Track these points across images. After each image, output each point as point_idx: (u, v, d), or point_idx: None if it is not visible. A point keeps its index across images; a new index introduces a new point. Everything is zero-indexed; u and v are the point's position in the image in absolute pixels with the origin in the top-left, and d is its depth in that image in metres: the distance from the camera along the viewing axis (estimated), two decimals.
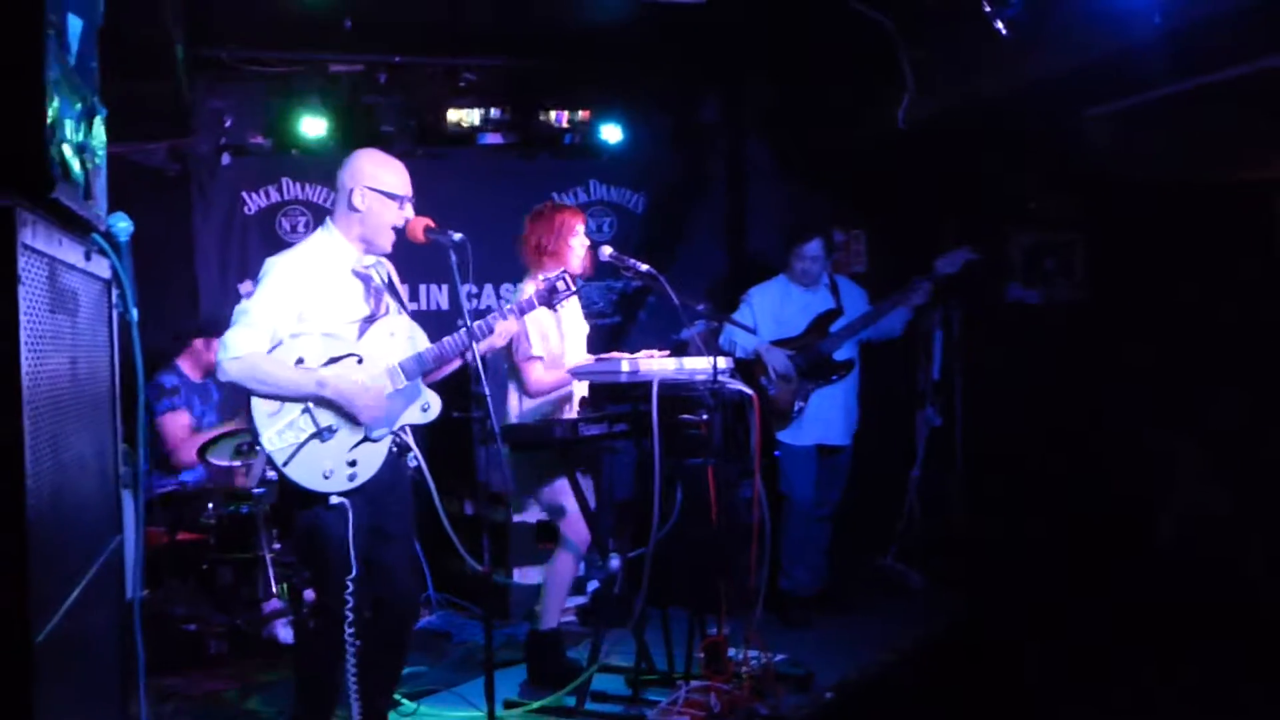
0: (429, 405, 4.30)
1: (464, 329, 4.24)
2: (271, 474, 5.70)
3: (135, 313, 2.81)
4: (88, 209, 2.37)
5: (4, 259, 1.83)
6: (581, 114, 7.44)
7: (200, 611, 5.80)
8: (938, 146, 6.96)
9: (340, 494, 4.02)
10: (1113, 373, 7.24)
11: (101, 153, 2.59)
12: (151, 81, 5.86)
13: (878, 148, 7.18)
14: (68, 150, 2.10)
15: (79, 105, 2.20)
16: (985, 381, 7.42)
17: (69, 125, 2.10)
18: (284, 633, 5.75)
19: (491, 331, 4.41)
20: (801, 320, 6.55)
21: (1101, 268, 7.53)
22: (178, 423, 6.20)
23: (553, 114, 7.41)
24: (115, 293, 2.78)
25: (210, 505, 5.81)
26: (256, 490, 5.68)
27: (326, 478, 4.01)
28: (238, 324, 3.98)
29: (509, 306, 4.51)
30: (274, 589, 5.76)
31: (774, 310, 6.55)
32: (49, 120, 1.92)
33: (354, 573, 3.97)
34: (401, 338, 4.28)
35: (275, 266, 4.11)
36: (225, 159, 7.19)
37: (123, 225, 2.84)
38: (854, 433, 6.66)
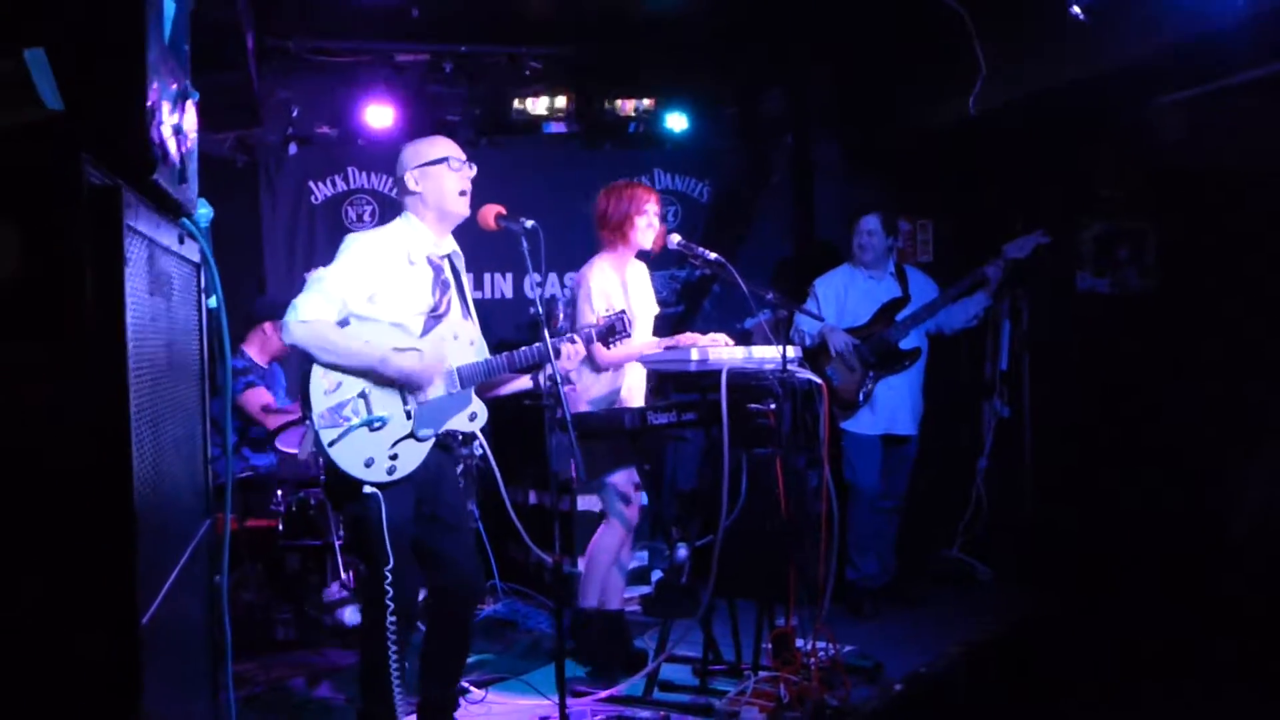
0: (476, 415, 4.29)
1: (538, 345, 4.22)
2: (288, 446, 5.78)
3: (217, 299, 2.82)
4: (182, 192, 2.37)
5: (111, 239, 1.84)
6: (646, 102, 7.42)
7: (268, 598, 5.84)
8: (1007, 135, 6.88)
9: (375, 485, 4.02)
10: (1184, 364, 7.12)
11: (193, 136, 2.60)
12: (223, 72, 5.90)
13: (946, 137, 7.10)
14: (166, 132, 2.10)
15: (174, 88, 2.20)
16: (1054, 372, 7.33)
17: (166, 107, 2.11)
18: (351, 618, 5.78)
19: (558, 354, 4.38)
20: (867, 309, 6.49)
21: (1173, 257, 7.39)
22: (257, 396, 6.24)
23: (617, 103, 7.41)
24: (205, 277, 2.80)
25: (279, 492, 5.85)
26: (305, 459, 5.71)
27: (367, 466, 4.01)
28: (310, 290, 4.01)
29: (569, 335, 4.48)
30: (341, 575, 5.80)
31: (839, 299, 6.50)
32: (150, 101, 1.92)
33: (390, 563, 3.97)
34: (464, 342, 4.27)
35: (356, 242, 4.15)
36: (292, 149, 7.25)
37: (203, 211, 2.86)
38: (920, 422, 6.59)
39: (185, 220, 2.50)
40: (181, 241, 2.52)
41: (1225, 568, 6.51)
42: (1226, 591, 6.33)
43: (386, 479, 4.04)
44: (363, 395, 4.04)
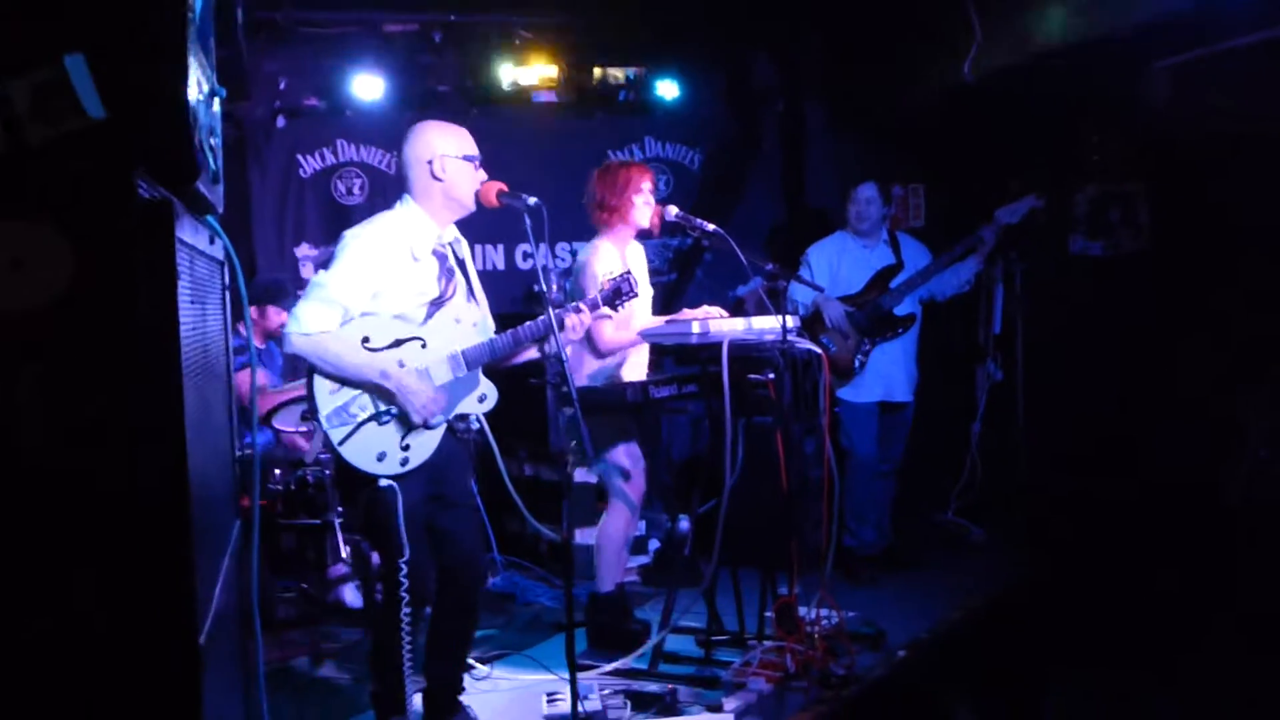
0: (486, 396, 4.26)
1: (541, 319, 4.19)
2: (286, 425, 5.76)
3: (244, 300, 2.79)
4: (215, 194, 2.33)
5: (163, 253, 1.81)
6: (637, 71, 7.38)
7: (267, 578, 5.82)
8: (999, 100, 6.85)
9: (391, 477, 4.00)
10: (1177, 326, 7.13)
11: (219, 133, 2.55)
12: (220, 49, 5.82)
13: (938, 102, 7.07)
14: (204, 134, 2.06)
15: (207, 86, 2.16)
16: (1047, 335, 7.33)
17: (201, 109, 2.06)
18: (351, 597, 5.78)
19: (562, 326, 4.36)
20: (861, 276, 6.48)
21: (1166, 219, 7.39)
22: (248, 381, 6.18)
23: (608, 71, 7.35)
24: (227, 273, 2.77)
25: (277, 471, 5.82)
26: (315, 459, 5.69)
27: (380, 460, 3.99)
28: (311, 297, 3.94)
29: (574, 305, 4.44)
30: (342, 554, 5.78)
31: (832, 267, 6.48)
32: (191, 105, 1.89)
33: (406, 555, 3.96)
34: (467, 324, 4.22)
35: (355, 241, 4.04)
36: (280, 122, 7.18)
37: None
38: (915, 388, 6.60)
39: (210, 219, 2.46)
40: (211, 242, 2.48)
41: (1221, 528, 6.55)
42: (1222, 552, 6.37)
43: (401, 470, 4.02)
44: (368, 391, 4.01)
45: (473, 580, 4.34)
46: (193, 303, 2.09)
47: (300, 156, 7.24)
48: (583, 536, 6.45)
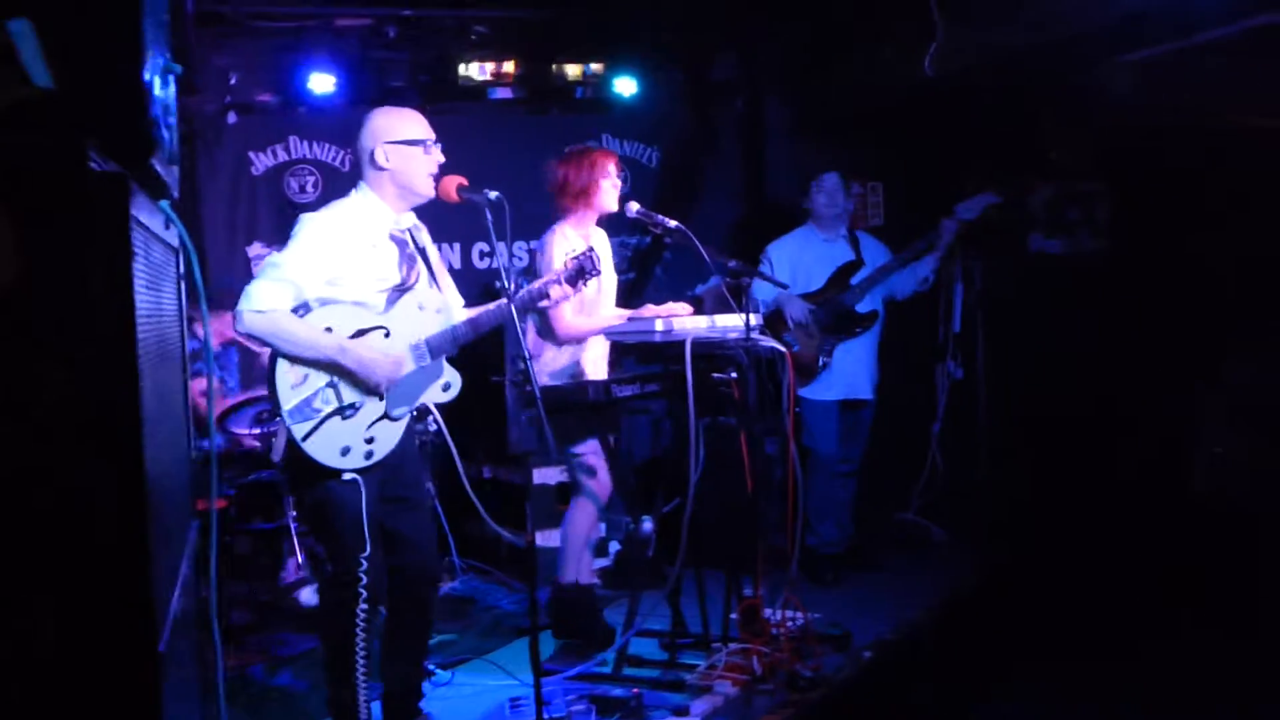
0: (450, 384, 4.18)
1: (502, 304, 4.11)
2: (242, 429, 5.63)
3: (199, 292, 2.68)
4: (170, 174, 2.21)
5: (118, 231, 1.69)
6: (594, 67, 7.28)
7: (221, 582, 5.69)
8: (960, 98, 6.82)
9: (355, 470, 3.90)
10: (1137, 324, 7.15)
11: (174, 112, 2.43)
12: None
13: (899, 99, 7.03)
14: (160, 111, 1.95)
15: (160, 61, 2.05)
16: (1007, 333, 7.32)
17: (157, 82, 1.95)
18: (309, 600, 5.66)
19: (545, 297, 4.32)
20: (821, 273, 6.43)
21: (1125, 218, 7.41)
22: (195, 390, 6.04)
23: (565, 67, 7.25)
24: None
25: (229, 474, 5.70)
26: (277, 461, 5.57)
27: (344, 454, 3.90)
28: (264, 276, 3.84)
29: (547, 280, 4.37)
30: (298, 557, 5.67)
31: (793, 263, 6.42)
32: (146, 77, 1.77)
33: (367, 550, 3.86)
34: (430, 311, 4.13)
35: (311, 223, 3.95)
36: (231, 118, 7.03)
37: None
38: (876, 387, 6.56)
39: (165, 204, 2.34)
40: (166, 227, 2.36)
41: (1182, 524, 6.56)
42: (1181, 549, 6.38)
43: (365, 464, 3.92)
44: (332, 384, 3.91)
45: (426, 580, 4.25)
46: (149, 288, 1.97)
47: (252, 154, 7.10)
48: (544, 539, 6.37)
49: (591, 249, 4.48)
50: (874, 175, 7.79)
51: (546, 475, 6.47)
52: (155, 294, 2.13)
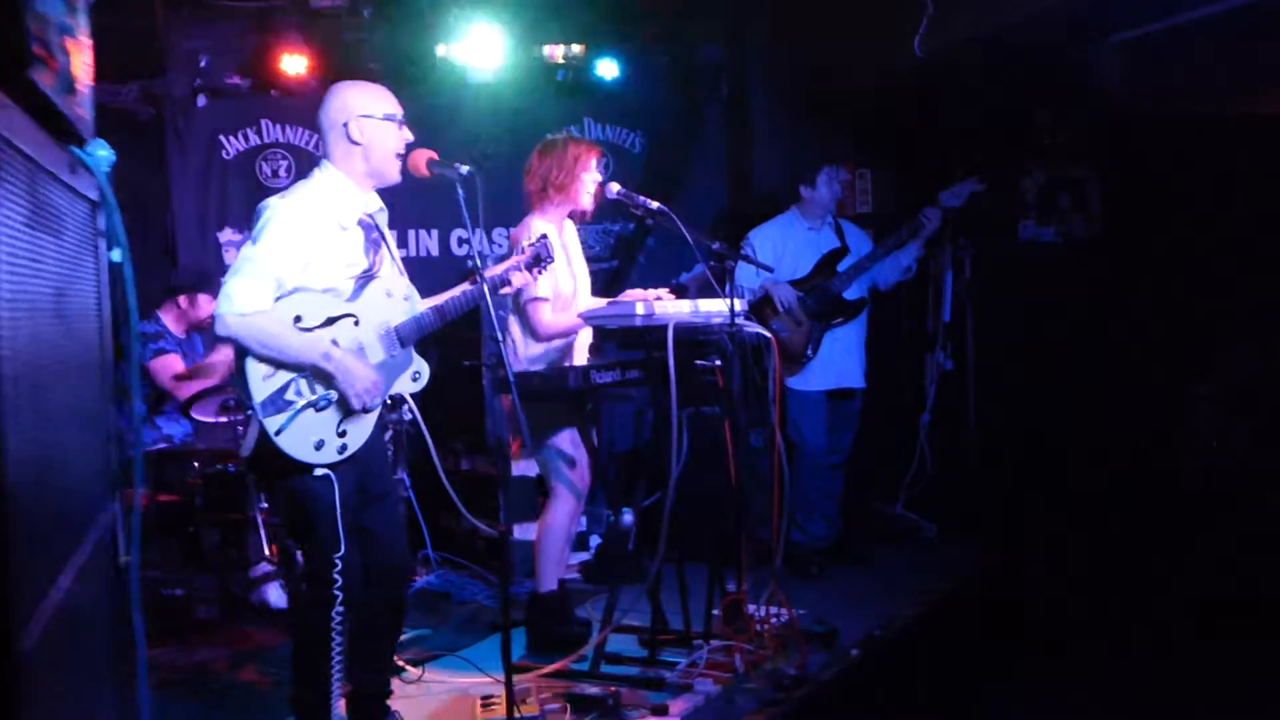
0: (420, 374, 3.97)
1: (473, 286, 3.93)
2: (206, 415, 5.44)
3: (121, 251, 2.47)
4: (70, 108, 1.99)
5: None
6: (576, 49, 7.10)
7: (186, 576, 5.51)
8: (950, 82, 6.68)
9: (328, 465, 3.72)
10: (1129, 312, 7.02)
11: (87, 54, 2.21)
12: (123, 17, 5.51)
13: (888, 82, 6.87)
14: (47, 27, 1.74)
15: None
16: (997, 323, 7.19)
17: None
18: (275, 596, 5.48)
19: (507, 283, 4.14)
20: (807, 261, 6.30)
21: (1117, 204, 7.27)
22: (168, 364, 5.85)
23: (545, 49, 7.06)
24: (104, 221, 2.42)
25: (196, 464, 5.51)
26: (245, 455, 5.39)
27: (318, 449, 3.69)
28: (242, 273, 3.61)
29: (508, 267, 4.21)
30: (265, 551, 5.48)
31: (776, 251, 6.27)
32: None
33: (341, 550, 3.67)
34: (398, 298, 3.92)
35: (280, 209, 3.71)
36: (201, 101, 6.88)
37: (103, 154, 2.49)
38: (865, 375, 6.40)
39: (80, 150, 2.13)
40: (73, 171, 2.13)
41: (1177, 516, 6.44)
42: (1175, 542, 6.27)
43: (339, 458, 3.73)
44: (304, 375, 3.71)
45: (397, 578, 4.05)
46: (32, 228, 1.76)
47: (223, 137, 6.94)
48: (521, 532, 6.21)
49: (544, 236, 4.33)
50: (863, 162, 7.61)
51: (526, 467, 6.30)
52: (50, 241, 1.91)
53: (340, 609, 3.69)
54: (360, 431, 3.81)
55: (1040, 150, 7.25)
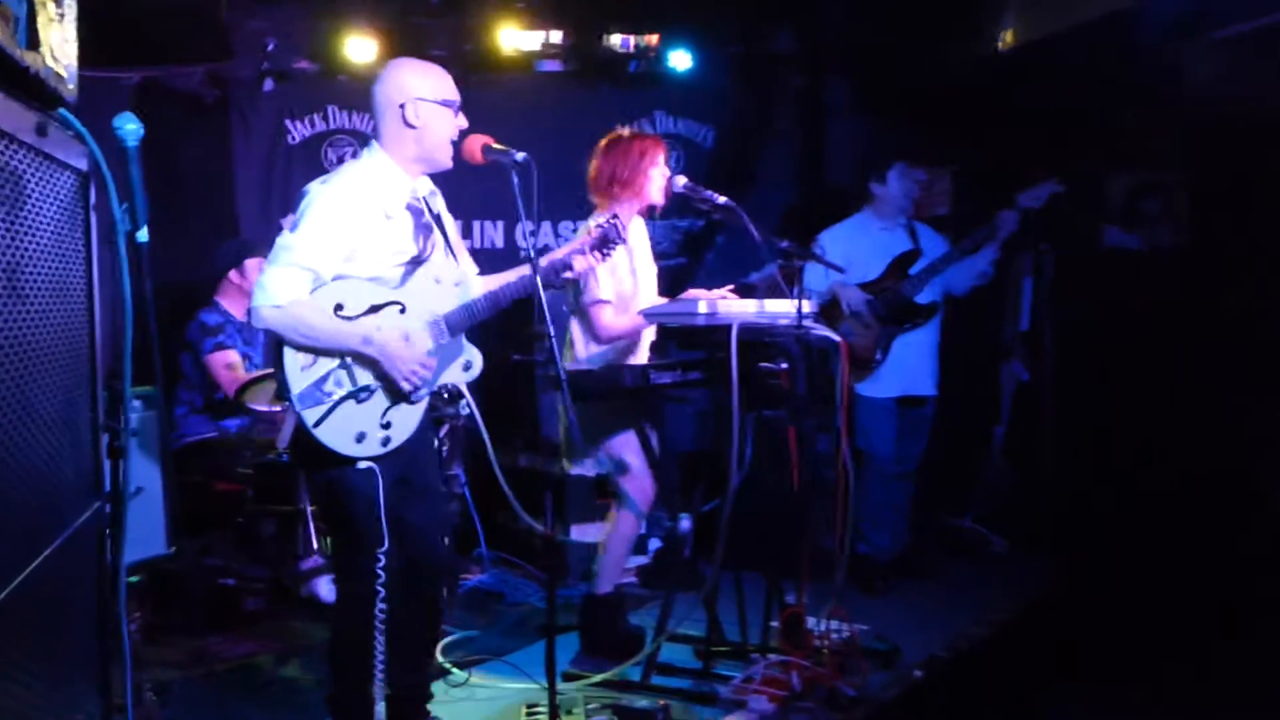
0: (471, 363, 3.84)
1: (525, 277, 3.78)
2: (259, 404, 5.33)
3: (145, 231, 2.33)
4: (35, 62, 1.83)
5: None
6: (648, 39, 6.93)
7: (238, 566, 5.44)
8: (1033, 78, 6.44)
9: (370, 459, 3.58)
10: (1216, 324, 6.73)
11: (71, 8, 2.05)
12: None
13: (968, 78, 6.64)
14: None
15: None
16: (1078, 333, 6.95)
17: None
18: (325, 590, 5.37)
19: (569, 268, 3.99)
20: (878, 263, 6.10)
21: (1207, 211, 6.97)
22: (228, 359, 5.76)
23: (616, 39, 6.91)
24: (122, 206, 2.26)
25: (248, 454, 5.42)
26: (285, 453, 5.31)
27: (359, 441, 3.57)
28: (278, 263, 3.50)
29: (572, 251, 4.04)
30: (314, 544, 5.38)
31: (847, 253, 6.06)
32: None
33: (385, 545, 3.53)
34: (448, 284, 3.79)
35: (321, 196, 3.60)
36: (268, 85, 6.76)
37: (131, 128, 2.36)
38: (938, 382, 6.18)
39: (65, 113, 1.98)
40: (43, 133, 1.96)
41: (1261, 536, 6.16)
42: (1261, 561, 5.99)
43: (382, 451, 3.59)
44: (344, 365, 3.58)
45: (438, 576, 3.93)
46: None
47: (289, 122, 6.84)
48: (579, 533, 6.08)
49: (615, 216, 4.14)
50: (940, 161, 7.37)
51: (584, 467, 6.14)
52: (3, 210, 1.74)
53: (383, 607, 3.56)
54: (406, 423, 3.67)
55: (1128, 153, 6.95)
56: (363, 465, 3.58)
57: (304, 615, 5.34)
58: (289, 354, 3.52)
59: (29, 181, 1.86)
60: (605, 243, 4.06)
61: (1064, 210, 6.08)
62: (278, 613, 5.39)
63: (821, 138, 7.48)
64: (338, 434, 3.56)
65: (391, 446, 3.64)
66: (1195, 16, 5.62)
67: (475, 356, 3.84)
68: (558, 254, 4.06)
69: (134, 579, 3.93)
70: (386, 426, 3.63)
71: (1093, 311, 6.86)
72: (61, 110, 1.96)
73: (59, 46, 1.94)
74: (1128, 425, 6.68)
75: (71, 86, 1.97)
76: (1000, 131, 7.00)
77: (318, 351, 3.54)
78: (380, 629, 3.59)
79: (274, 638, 5.13)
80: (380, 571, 3.55)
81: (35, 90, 1.83)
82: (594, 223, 4.62)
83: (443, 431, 5.56)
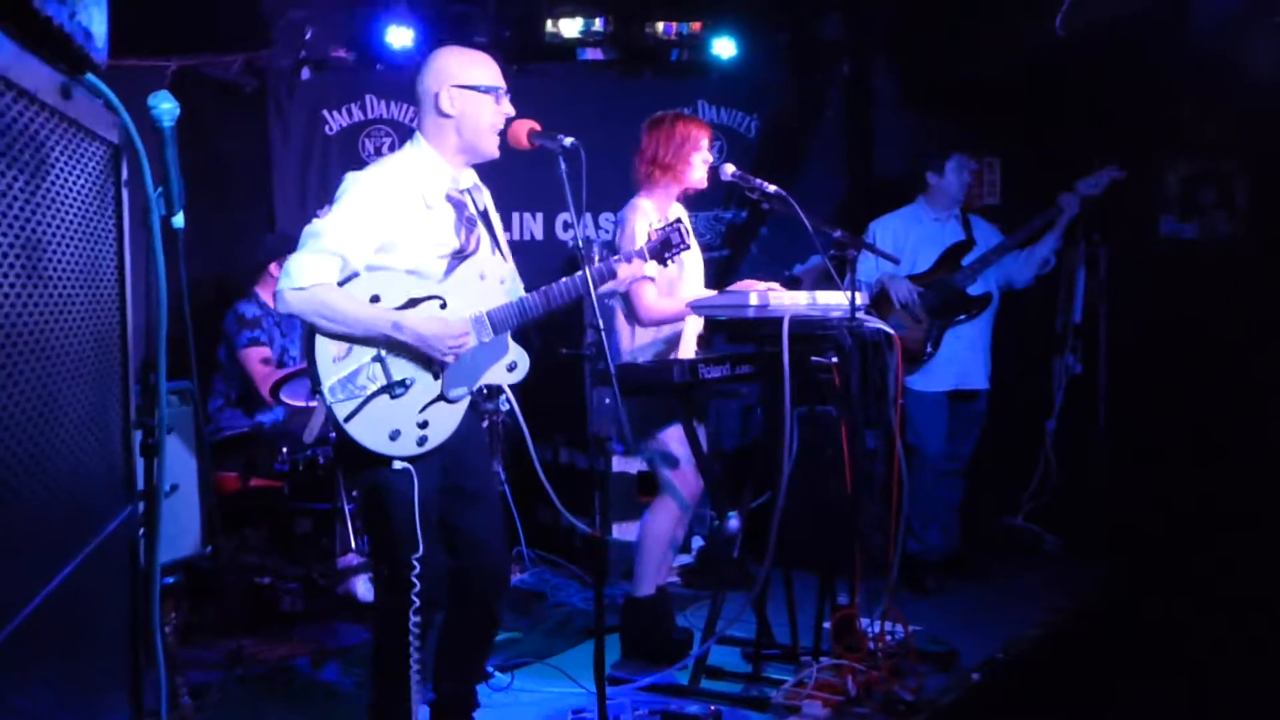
0: (516, 364, 3.68)
1: (578, 275, 3.62)
2: (294, 399, 5.23)
3: (181, 217, 2.21)
4: (58, 13, 1.68)
5: None
6: (692, 26, 6.80)
7: (275, 564, 5.34)
8: (1088, 64, 6.25)
9: (406, 459, 3.45)
10: (1275, 318, 6.53)
11: None
12: None
13: (1022, 63, 6.45)
14: None
15: None
16: (1132, 325, 6.75)
17: None
18: (363, 589, 5.26)
19: (613, 275, 3.80)
20: (930, 254, 5.96)
21: (1266, 200, 6.76)
22: (257, 357, 5.66)
23: (659, 26, 6.79)
24: (157, 189, 2.13)
25: (284, 450, 5.31)
26: (310, 449, 5.21)
27: (393, 439, 3.43)
28: (305, 248, 3.37)
29: (623, 254, 3.88)
30: (352, 543, 5.27)
31: (898, 243, 5.95)
32: None
33: (420, 551, 3.40)
34: (493, 281, 3.65)
35: (358, 184, 3.48)
36: (305, 74, 6.68)
37: (166, 107, 2.23)
38: (990, 376, 6.02)
39: (93, 77, 1.84)
40: (68, 95, 1.82)
41: None
42: None
43: (418, 451, 3.45)
44: (378, 359, 3.44)
45: (494, 587, 3.74)
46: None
47: (326, 112, 6.73)
48: (621, 532, 5.95)
49: (678, 221, 3.98)
50: (991, 150, 7.20)
51: (628, 463, 6.02)
52: (23, 180, 1.57)
53: (417, 615, 3.44)
54: (445, 423, 3.53)
55: (1185, 140, 6.76)
56: (398, 465, 3.45)
57: (343, 615, 5.23)
58: (321, 344, 3.40)
59: (52, 149, 1.72)
60: (667, 246, 3.88)
61: (1119, 200, 5.92)
62: (315, 612, 5.27)
63: (870, 127, 7.31)
64: (370, 430, 3.43)
65: (429, 447, 3.50)
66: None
67: (521, 357, 3.69)
68: (615, 257, 3.86)
69: (169, 579, 3.80)
70: (423, 426, 3.49)
71: (1147, 303, 6.68)
72: (89, 76, 1.82)
73: (90, 15, 1.81)
74: (1183, 420, 6.50)
75: (102, 47, 1.84)
76: (1052, 119, 6.82)
77: (353, 341, 3.42)
78: (415, 635, 3.47)
79: (311, 639, 5.02)
80: (415, 579, 3.42)
81: (60, 46, 1.67)
82: (643, 223, 4.48)
83: (484, 427, 5.46)
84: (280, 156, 6.67)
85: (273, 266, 5.79)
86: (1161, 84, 6.49)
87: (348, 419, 3.40)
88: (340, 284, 3.39)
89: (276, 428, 5.52)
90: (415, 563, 3.41)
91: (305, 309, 3.34)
